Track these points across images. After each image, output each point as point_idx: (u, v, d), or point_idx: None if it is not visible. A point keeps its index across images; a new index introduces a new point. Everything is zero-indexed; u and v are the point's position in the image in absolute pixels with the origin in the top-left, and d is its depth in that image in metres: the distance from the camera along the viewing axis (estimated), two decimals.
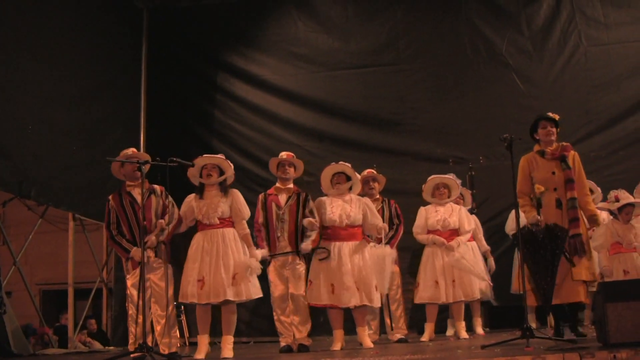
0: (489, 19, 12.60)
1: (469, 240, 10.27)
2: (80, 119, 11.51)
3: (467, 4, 12.68)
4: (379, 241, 9.04)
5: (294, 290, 8.82)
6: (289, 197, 9.01)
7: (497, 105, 12.29)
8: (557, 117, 8.33)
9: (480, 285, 9.90)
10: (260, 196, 9.17)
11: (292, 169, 9.21)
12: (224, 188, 8.55)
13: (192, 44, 12.68)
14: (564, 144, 8.34)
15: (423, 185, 10.15)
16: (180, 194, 8.58)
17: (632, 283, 7.29)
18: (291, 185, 9.17)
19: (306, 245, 8.75)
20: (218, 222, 8.39)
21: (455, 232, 9.85)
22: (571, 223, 8.01)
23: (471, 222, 10.14)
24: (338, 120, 12.51)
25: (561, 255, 7.70)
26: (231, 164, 8.68)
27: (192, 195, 8.59)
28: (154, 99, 12.81)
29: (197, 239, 8.45)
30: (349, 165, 9.10)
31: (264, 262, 8.88)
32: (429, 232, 9.90)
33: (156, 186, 8.62)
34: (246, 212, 8.61)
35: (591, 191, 10.31)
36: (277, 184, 9.20)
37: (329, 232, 8.86)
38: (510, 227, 10.93)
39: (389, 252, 9.11)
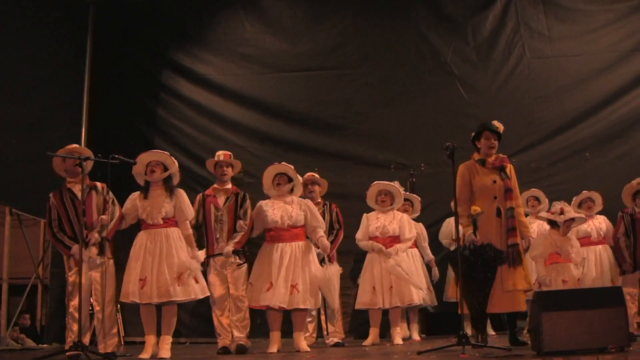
0: (436, 27, 12.68)
1: (410, 248, 10.34)
2: (21, 113, 11.27)
3: (415, 12, 12.73)
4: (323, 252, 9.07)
5: (234, 290, 8.80)
6: (228, 198, 9.00)
7: (440, 112, 12.36)
8: (501, 128, 8.42)
9: (421, 292, 9.95)
10: (198, 197, 9.15)
11: (230, 169, 9.20)
12: (169, 187, 8.50)
13: (138, 41, 12.55)
14: (502, 155, 8.46)
15: (367, 191, 10.17)
16: (121, 191, 8.54)
17: (567, 293, 7.42)
18: (229, 186, 9.15)
19: (227, 248, 8.73)
20: (162, 222, 8.35)
21: (395, 239, 9.87)
22: (509, 232, 8.14)
23: (412, 230, 10.15)
24: (282, 122, 12.48)
25: (494, 277, 7.79)
26: (175, 161, 8.63)
27: (137, 194, 8.53)
28: (97, 95, 12.64)
29: (141, 238, 8.38)
30: (292, 167, 9.09)
31: (203, 263, 8.86)
32: (369, 238, 9.92)
33: (98, 183, 8.53)
34: (190, 212, 8.58)
35: (539, 201, 10.49)
36: (215, 185, 9.18)
37: (272, 234, 8.84)
38: (443, 235, 11.05)
39: (336, 271, 9.18)
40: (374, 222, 9.97)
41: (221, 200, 9.01)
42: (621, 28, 12.55)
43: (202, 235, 9.02)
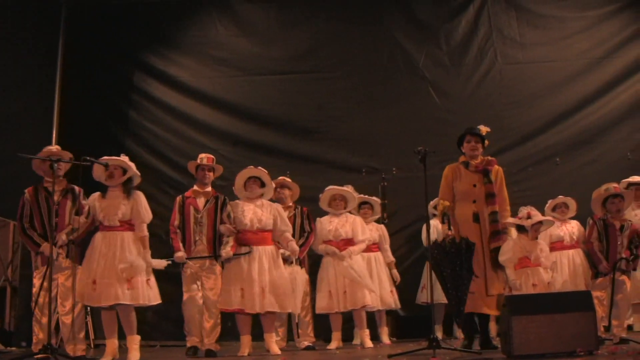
0: (409, 32, 12.73)
1: (372, 251, 10.39)
2: None
3: (389, 17, 12.77)
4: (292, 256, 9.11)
5: (208, 294, 8.79)
6: (207, 201, 9.00)
7: (412, 117, 12.40)
8: (484, 131, 8.47)
9: (376, 295, 9.98)
10: (178, 198, 9.15)
11: (212, 173, 9.22)
12: (127, 189, 8.46)
13: (111, 42, 12.46)
14: (489, 158, 8.50)
15: (320, 195, 10.22)
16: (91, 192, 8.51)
17: (537, 297, 7.50)
18: (209, 189, 9.16)
19: (226, 252, 8.72)
20: (118, 224, 8.31)
21: (349, 242, 9.93)
22: (492, 237, 8.17)
23: (365, 232, 10.19)
24: (254, 125, 12.46)
25: (471, 271, 7.81)
26: (132, 165, 8.59)
27: (97, 194, 8.50)
28: (69, 97, 12.54)
29: (96, 239, 8.34)
30: (266, 172, 9.11)
31: (179, 265, 8.86)
32: (323, 242, 9.96)
33: (76, 187, 8.51)
34: (147, 215, 8.52)
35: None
36: (196, 187, 9.18)
37: (240, 237, 8.84)
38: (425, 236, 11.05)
39: (301, 274, 9.22)
40: (327, 226, 10.03)
41: (201, 202, 9.02)
42: (592, 36, 12.67)
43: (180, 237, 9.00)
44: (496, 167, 8.51)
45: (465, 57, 12.63)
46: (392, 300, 10.48)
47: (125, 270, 8.13)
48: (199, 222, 8.93)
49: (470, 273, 7.81)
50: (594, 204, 9.25)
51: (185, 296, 8.96)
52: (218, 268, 8.92)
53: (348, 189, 10.23)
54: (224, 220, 8.89)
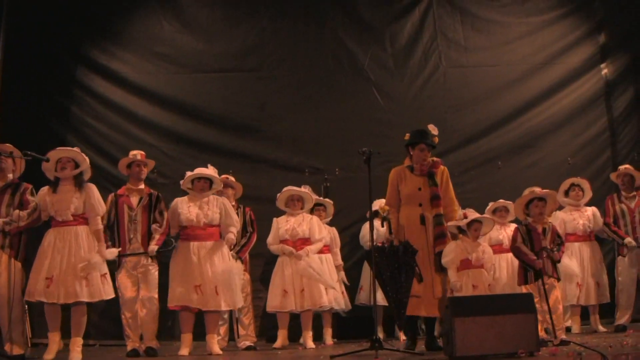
0: (354, 33, 12.72)
1: (324, 253, 10.37)
2: None
3: (333, 17, 12.77)
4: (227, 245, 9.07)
5: (145, 292, 8.72)
6: (141, 198, 8.92)
7: (355, 118, 12.40)
8: (436, 139, 8.50)
9: (332, 295, 9.98)
10: (110, 196, 9.05)
11: (146, 169, 9.13)
12: (79, 182, 8.39)
13: (52, 36, 12.17)
14: (435, 159, 8.54)
15: (278, 195, 10.22)
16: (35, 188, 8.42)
17: (479, 299, 7.53)
18: (143, 186, 9.07)
19: (152, 247, 8.66)
20: (72, 218, 8.25)
21: (306, 242, 9.96)
22: (437, 239, 8.25)
23: (322, 231, 10.24)
24: (196, 122, 12.32)
25: (412, 273, 7.83)
26: (86, 158, 8.52)
27: (46, 188, 8.41)
28: (9, 91, 12.24)
29: (49, 235, 8.26)
30: (217, 176, 9.09)
31: (113, 263, 8.75)
32: (280, 241, 9.96)
33: (24, 184, 8.49)
34: (101, 208, 8.48)
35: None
36: (129, 184, 9.10)
37: (187, 232, 8.81)
38: (365, 238, 11.04)
39: (238, 268, 9.20)
40: (283, 225, 10.04)
41: (135, 200, 8.93)
42: (535, 41, 12.84)
43: (113, 235, 8.88)
44: (441, 167, 8.57)
45: (410, 60, 12.67)
46: (343, 302, 10.49)
47: (85, 269, 8.05)
48: (133, 220, 8.84)
49: (409, 277, 7.82)
50: (516, 209, 9.27)
51: (121, 299, 8.85)
52: (155, 265, 8.84)
53: (306, 189, 10.24)
54: (155, 218, 8.84)
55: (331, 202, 11.18)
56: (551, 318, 8.24)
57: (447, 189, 8.51)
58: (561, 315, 8.79)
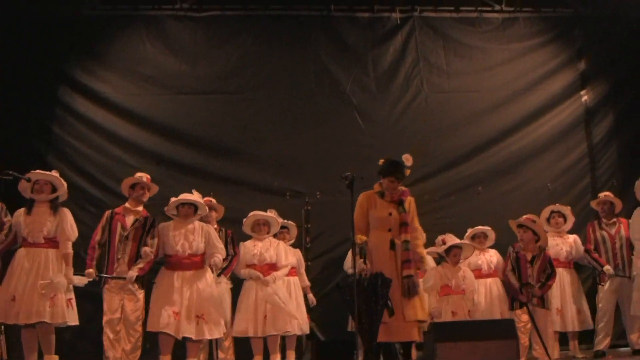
0: (337, 56, 12.75)
1: (292, 275, 10.37)
2: None
3: (316, 41, 12.79)
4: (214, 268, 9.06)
5: (129, 315, 8.66)
6: (136, 220, 8.88)
7: (337, 141, 12.40)
8: (409, 171, 8.53)
9: (295, 319, 9.97)
10: (107, 213, 9.06)
11: (148, 193, 9.14)
12: (54, 206, 8.37)
13: (35, 54, 12.08)
14: (403, 188, 8.55)
15: (244, 220, 10.22)
16: (13, 209, 8.34)
17: (461, 324, 7.58)
18: (141, 208, 9.06)
19: (131, 273, 8.62)
20: (43, 241, 8.23)
21: (272, 267, 9.97)
22: (404, 264, 8.21)
23: (289, 257, 10.27)
24: (178, 144, 12.26)
25: (385, 305, 7.83)
26: (64, 183, 8.49)
27: (22, 210, 8.37)
28: None
29: (19, 255, 8.25)
30: (202, 202, 9.08)
31: (99, 284, 8.72)
32: (247, 266, 9.95)
33: None
34: (73, 233, 8.46)
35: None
36: (127, 205, 9.11)
37: (171, 261, 8.78)
38: (348, 264, 11.04)
39: (223, 288, 9.20)
40: (250, 250, 10.03)
41: (129, 220, 8.92)
42: (515, 67, 12.97)
43: (104, 253, 8.87)
44: (409, 197, 8.58)
45: (392, 84, 12.72)
46: (307, 325, 10.47)
47: (46, 287, 8.00)
48: (124, 241, 8.82)
49: (383, 308, 7.83)
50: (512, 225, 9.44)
51: (105, 318, 8.80)
52: (139, 289, 8.81)
53: (272, 213, 10.24)
54: (146, 241, 8.80)
55: (294, 224, 11.13)
56: (541, 339, 8.30)
57: (414, 218, 8.53)
58: (551, 339, 8.88)
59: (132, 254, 8.79)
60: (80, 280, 8.55)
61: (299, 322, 10.05)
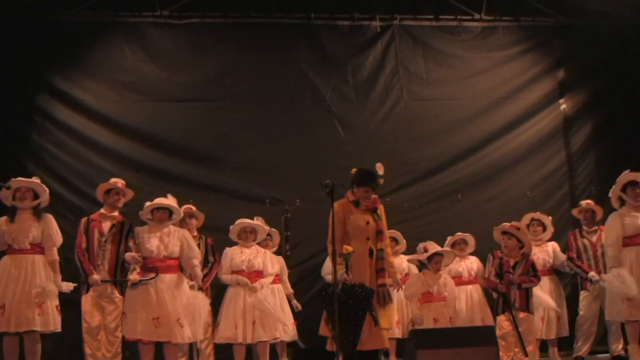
0: (317, 65, 12.76)
1: (274, 283, 10.36)
2: None
3: (296, 49, 12.80)
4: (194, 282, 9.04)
5: (108, 322, 8.64)
6: (113, 225, 8.85)
7: (317, 149, 12.43)
8: (382, 180, 8.55)
9: (284, 325, 9.97)
10: (83, 220, 9.03)
11: (123, 198, 9.11)
12: (37, 212, 8.34)
13: (14, 60, 12.02)
14: (374, 196, 8.57)
15: (231, 227, 10.22)
16: None
17: (442, 331, 7.60)
18: (117, 213, 9.04)
19: (133, 277, 8.58)
20: (29, 247, 8.19)
21: (259, 274, 9.96)
22: (378, 273, 8.25)
23: (275, 265, 10.28)
24: (158, 152, 12.22)
25: (365, 316, 7.84)
26: (46, 189, 8.46)
27: (4, 218, 8.33)
28: None
29: (5, 263, 8.19)
30: (176, 206, 9.05)
31: (75, 292, 8.68)
32: (233, 272, 9.93)
33: None
34: (58, 238, 8.43)
35: (397, 241, 10.66)
36: (103, 210, 9.08)
37: (147, 264, 8.71)
38: (325, 270, 11.04)
39: (203, 300, 9.16)
40: (238, 256, 10.01)
41: (106, 226, 8.90)
42: (495, 76, 13.04)
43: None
44: (381, 206, 8.62)
45: (372, 92, 12.75)
46: (295, 332, 10.46)
47: (39, 295, 7.98)
48: (102, 247, 8.79)
49: (364, 317, 7.84)
50: (498, 241, 9.48)
51: (84, 326, 8.77)
52: (118, 296, 8.79)
53: (258, 221, 10.24)
54: (130, 248, 8.76)
55: (277, 231, 11.15)
56: (521, 339, 8.34)
57: (385, 226, 8.56)
58: (532, 344, 8.93)
59: (111, 259, 8.78)
60: (67, 287, 8.54)
61: (287, 328, 10.06)
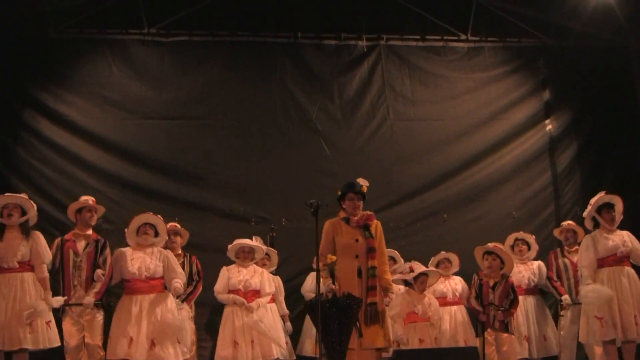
0: (303, 84, 12.79)
1: (270, 302, 10.31)
2: None
3: (282, 68, 12.82)
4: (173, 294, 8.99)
5: (90, 340, 8.62)
6: (88, 244, 8.82)
7: (302, 168, 12.42)
8: (365, 187, 8.52)
9: (279, 347, 9.94)
10: (57, 241, 8.98)
11: (96, 215, 9.06)
12: (25, 230, 8.31)
13: (0, 76, 12.05)
14: (368, 212, 8.54)
15: (229, 246, 10.22)
16: None
17: (425, 352, 7.58)
18: (90, 232, 8.99)
19: (88, 299, 8.54)
20: (17, 265, 8.15)
21: (256, 293, 9.96)
22: (369, 291, 8.17)
23: (272, 285, 10.28)
24: (143, 169, 12.18)
25: (352, 326, 7.80)
26: (34, 205, 8.42)
27: None
28: None
29: None
30: (163, 220, 9.01)
31: (58, 310, 8.62)
32: (230, 291, 9.90)
33: None
34: (47, 256, 8.40)
35: (394, 260, 10.62)
36: (76, 230, 9.03)
37: (130, 285, 8.67)
38: (306, 289, 11.03)
39: (186, 315, 9.13)
40: (235, 275, 10.00)
41: (81, 245, 8.85)
42: (480, 96, 13.08)
43: (57, 281, 8.78)
44: (375, 221, 8.58)
45: (358, 111, 12.76)
46: (287, 352, 10.43)
47: (30, 316, 7.93)
48: (78, 267, 8.76)
49: (351, 328, 7.80)
50: (478, 261, 9.48)
51: (66, 346, 8.72)
52: (100, 312, 8.74)
53: (257, 241, 10.24)
54: (99, 264, 8.75)
55: (275, 251, 11.18)
56: None
57: (381, 243, 8.50)
58: None
59: (87, 278, 8.76)
60: (58, 302, 8.52)
61: (282, 349, 10.04)
